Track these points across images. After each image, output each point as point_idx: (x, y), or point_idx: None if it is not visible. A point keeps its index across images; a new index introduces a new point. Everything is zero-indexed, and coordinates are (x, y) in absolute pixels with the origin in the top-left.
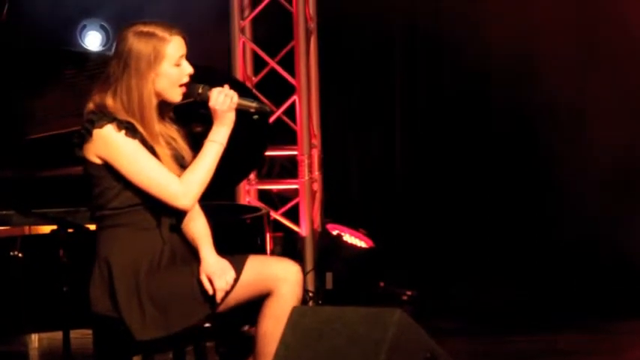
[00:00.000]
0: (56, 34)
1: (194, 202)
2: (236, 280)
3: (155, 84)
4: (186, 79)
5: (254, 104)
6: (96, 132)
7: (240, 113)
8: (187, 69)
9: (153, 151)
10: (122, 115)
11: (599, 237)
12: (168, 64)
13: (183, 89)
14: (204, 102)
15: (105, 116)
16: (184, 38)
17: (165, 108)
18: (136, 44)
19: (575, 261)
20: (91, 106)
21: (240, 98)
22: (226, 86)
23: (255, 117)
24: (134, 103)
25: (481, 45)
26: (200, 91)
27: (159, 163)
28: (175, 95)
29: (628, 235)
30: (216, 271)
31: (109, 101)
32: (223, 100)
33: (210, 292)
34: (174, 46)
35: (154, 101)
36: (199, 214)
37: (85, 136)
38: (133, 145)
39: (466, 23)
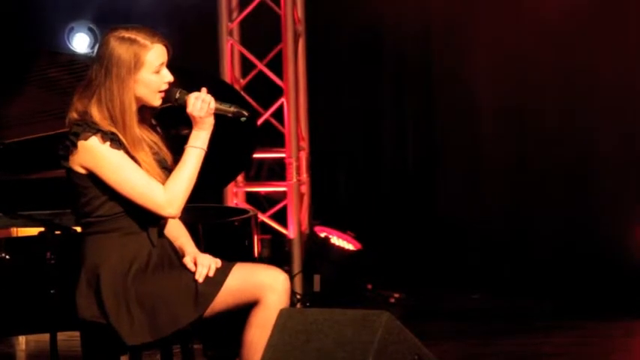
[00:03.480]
0: (44, 36)
1: (180, 209)
2: (222, 285)
3: (134, 90)
4: (165, 87)
5: (231, 109)
6: (80, 144)
7: (227, 125)
8: (167, 77)
9: (136, 161)
10: (105, 125)
11: (587, 241)
12: (148, 72)
13: (162, 95)
14: (182, 107)
15: (89, 127)
16: (166, 46)
17: (145, 113)
18: (117, 49)
19: (561, 264)
20: (74, 115)
21: (217, 102)
22: (204, 90)
23: (243, 119)
24: (116, 108)
25: (469, 46)
26: (177, 96)
27: (144, 173)
28: (155, 100)
29: (615, 239)
30: (199, 253)
31: (94, 110)
32: (200, 106)
33: (193, 268)
34: (155, 54)
35: (134, 107)
36: (180, 227)
37: (70, 147)
38: (118, 156)
39: (456, 24)
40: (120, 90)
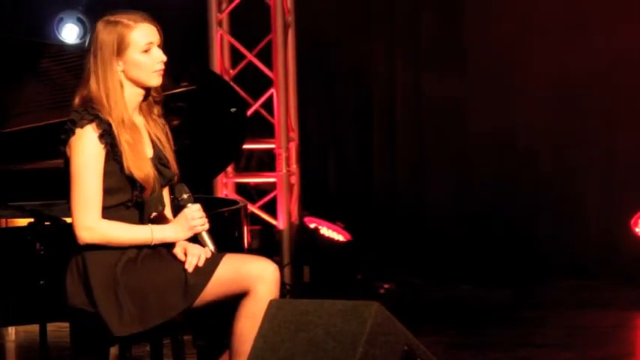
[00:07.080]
0: (33, 26)
1: (89, 242)
2: (211, 275)
3: (127, 73)
4: (159, 66)
5: (209, 246)
6: (78, 131)
7: (217, 116)
8: (159, 56)
9: (118, 141)
10: (104, 113)
11: (577, 232)
12: (135, 52)
13: (160, 73)
14: (177, 205)
15: (88, 114)
16: (155, 26)
17: (150, 103)
18: (102, 33)
19: (552, 255)
20: (76, 101)
21: (207, 234)
22: (203, 214)
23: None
24: (102, 91)
25: (458, 32)
26: (185, 197)
27: (99, 187)
28: (151, 80)
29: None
30: (189, 244)
31: (94, 93)
32: (195, 221)
33: (183, 258)
34: (140, 33)
35: (119, 90)
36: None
37: (69, 133)
38: (94, 156)
39: (445, 10)
40: (105, 71)
